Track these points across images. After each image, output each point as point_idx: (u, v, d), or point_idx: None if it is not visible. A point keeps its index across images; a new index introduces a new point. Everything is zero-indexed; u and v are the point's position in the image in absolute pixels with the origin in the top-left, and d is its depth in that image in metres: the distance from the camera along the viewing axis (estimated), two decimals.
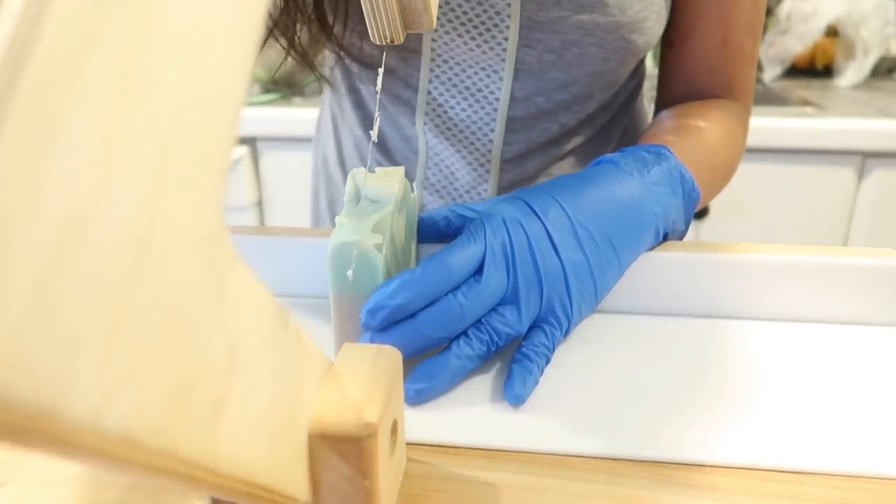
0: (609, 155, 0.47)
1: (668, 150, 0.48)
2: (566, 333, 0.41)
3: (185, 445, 0.17)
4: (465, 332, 0.38)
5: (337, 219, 0.39)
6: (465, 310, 0.38)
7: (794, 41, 1.44)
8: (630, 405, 0.38)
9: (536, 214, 0.41)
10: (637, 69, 0.65)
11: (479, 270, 0.39)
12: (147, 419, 0.16)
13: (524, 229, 0.40)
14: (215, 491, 0.20)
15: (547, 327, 0.40)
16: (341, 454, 0.26)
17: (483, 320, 0.39)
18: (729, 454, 0.34)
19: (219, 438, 0.19)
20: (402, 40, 0.37)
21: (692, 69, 0.61)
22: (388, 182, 0.41)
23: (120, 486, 0.32)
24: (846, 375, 0.40)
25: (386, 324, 0.37)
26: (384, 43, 0.37)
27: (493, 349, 0.39)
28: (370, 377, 0.28)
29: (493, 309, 0.39)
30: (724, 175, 0.58)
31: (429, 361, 0.38)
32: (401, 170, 0.42)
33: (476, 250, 0.39)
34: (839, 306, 0.46)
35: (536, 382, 0.38)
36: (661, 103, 0.64)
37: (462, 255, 0.38)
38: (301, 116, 1.29)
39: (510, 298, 0.39)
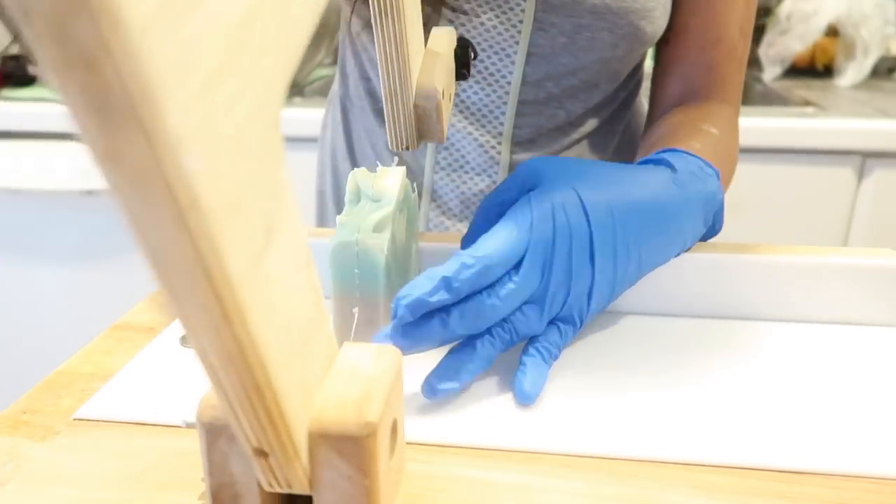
0: (670, 156, 0.46)
1: (717, 178, 0.46)
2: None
3: (229, 260, 0.19)
4: (489, 330, 0.38)
5: (338, 218, 0.39)
6: (498, 311, 0.37)
7: (794, 41, 1.44)
8: (630, 405, 0.38)
9: (585, 212, 0.39)
10: (637, 68, 0.66)
11: (517, 265, 0.38)
12: (213, 187, 0.18)
13: (570, 226, 0.39)
14: (236, 361, 0.21)
15: (562, 326, 0.40)
16: (341, 453, 0.26)
17: (507, 318, 0.38)
18: (729, 454, 0.34)
19: (255, 286, 0.20)
20: (416, 148, 0.39)
21: (688, 66, 0.62)
22: (389, 182, 0.41)
23: (120, 486, 0.32)
24: (846, 375, 0.40)
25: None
26: (399, 149, 0.39)
27: (510, 347, 0.39)
28: (370, 377, 0.28)
29: (518, 307, 0.38)
30: (725, 184, 0.59)
31: (453, 360, 0.37)
32: (402, 169, 0.42)
33: (519, 246, 0.37)
34: (839, 306, 0.46)
35: (545, 381, 0.38)
36: (658, 104, 0.65)
37: (505, 254, 0.37)
38: (301, 116, 1.29)
39: (536, 297, 0.39)
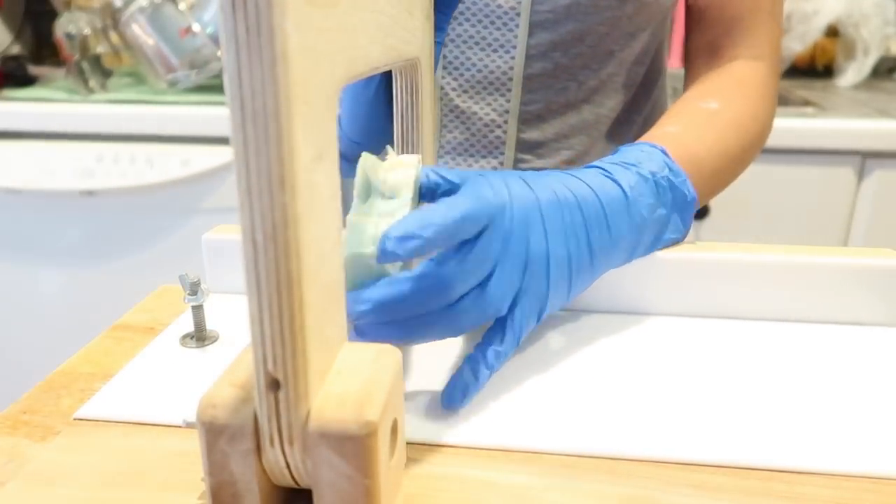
0: (599, 161, 0.46)
1: (663, 153, 0.46)
2: (538, 321, 0.39)
3: (297, 137, 0.24)
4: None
5: (348, 218, 0.35)
6: (464, 274, 0.34)
7: (794, 41, 1.44)
8: (630, 405, 0.38)
9: (532, 190, 0.38)
10: (653, 41, 0.65)
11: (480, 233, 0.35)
12: (298, 52, 0.24)
13: (525, 209, 0.37)
14: (279, 239, 0.25)
15: (509, 324, 0.37)
16: (341, 453, 0.26)
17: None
18: (729, 454, 0.34)
19: (305, 180, 0.25)
20: None
21: (710, 20, 0.61)
22: (402, 175, 0.37)
23: (120, 486, 0.32)
24: (846, 375, 0.40)
25: (412, 255, 0.33)
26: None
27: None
28: (370, 376, 0.28)
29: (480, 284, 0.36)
30: (740, 158, 0.56)
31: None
32: (416, 157, 0.39)
33: (490, 207, 0.35)
34: (839, 306, 0.46)
35: (477, 391, 0.37)
36: (689, 75, 0.64)
37: (475, 214, 0.34)
38: None
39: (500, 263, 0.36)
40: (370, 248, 0.33)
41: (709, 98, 0.56)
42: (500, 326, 0.38)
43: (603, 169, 0.44)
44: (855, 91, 1.43)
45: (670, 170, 0.45)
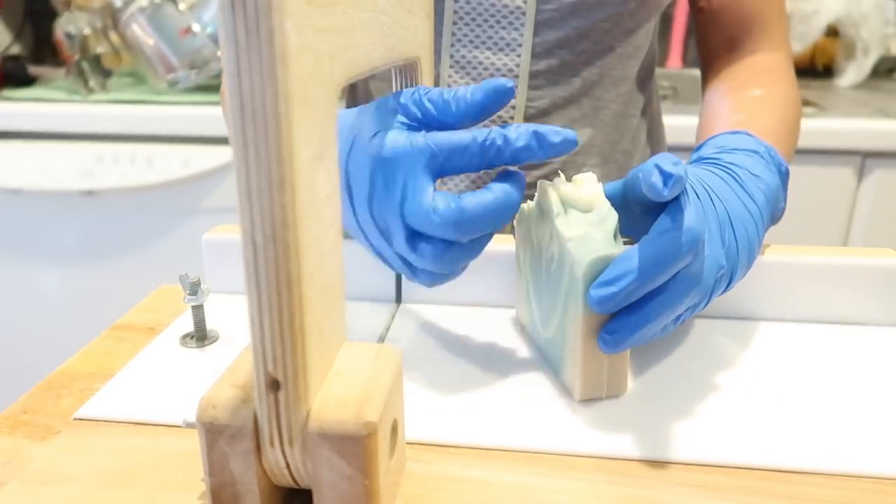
0: (708, 148, 0.46)
1: (748, 135, 0.47)
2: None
3: (296, 137, 0.24)
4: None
5: (567, 233, 0.37)
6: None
7: (794, 41, 1.44)
8: (630, 405, 0.38)
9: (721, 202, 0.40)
10: (649, 52, 0.67)
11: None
12: (297, 51, 0.24)
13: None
14: (278, 241, 0.25)
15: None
16: (341, 453, 0.26)
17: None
18: (729, 454, 0.34)
19: (305, 179, 0.25)
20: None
21: (729, 24, 0.63)
22: (589, 188, 0.39)
23: (120, 486, 0.32)
24: (846, 375, 0.40)
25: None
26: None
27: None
28: (370, 377, 0.28)
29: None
30: (796, 135, 0.59)
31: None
32: (590, 174, 0.40)
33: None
34: (839, 306, 0.46)
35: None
36: (708, 73, 0.66)
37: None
38: None
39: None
40: (609, 251, 0.36)
41: (749, 87, 0.59)
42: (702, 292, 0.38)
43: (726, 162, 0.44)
44: (855, 91, 1.43)
45: (765, 146, 0.46)
